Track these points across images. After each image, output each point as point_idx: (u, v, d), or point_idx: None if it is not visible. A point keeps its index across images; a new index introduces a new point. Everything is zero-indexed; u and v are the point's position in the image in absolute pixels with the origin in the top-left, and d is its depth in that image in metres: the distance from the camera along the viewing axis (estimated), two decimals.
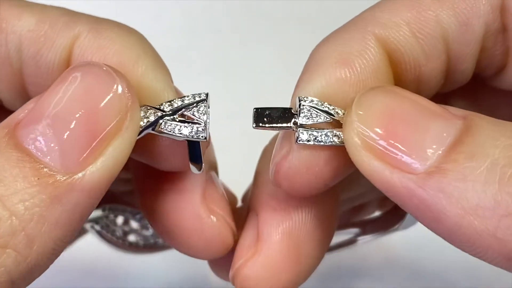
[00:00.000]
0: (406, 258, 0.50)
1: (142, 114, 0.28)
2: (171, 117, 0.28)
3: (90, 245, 0.42)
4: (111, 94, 0.26)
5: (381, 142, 0.26)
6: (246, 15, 0.64)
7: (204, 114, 0.28)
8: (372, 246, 0.50)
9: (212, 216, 0.31)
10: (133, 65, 0.29)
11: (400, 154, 0.25)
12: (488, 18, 0.29)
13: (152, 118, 0.28)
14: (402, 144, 0.26)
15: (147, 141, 0.29)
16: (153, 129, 0.28)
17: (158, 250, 0.41)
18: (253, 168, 0.37)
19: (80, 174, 0.25)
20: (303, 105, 0.28)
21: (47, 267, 0.26)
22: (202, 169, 0.30)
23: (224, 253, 0.33)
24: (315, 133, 0.28)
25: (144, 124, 0.28)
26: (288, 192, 0.30)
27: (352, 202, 0.39)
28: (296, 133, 0.28)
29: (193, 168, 0.30)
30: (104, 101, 0.26)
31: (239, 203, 0.38)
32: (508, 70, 0.31)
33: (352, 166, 0.29)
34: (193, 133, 0.28)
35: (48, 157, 0.25)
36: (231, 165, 0.38)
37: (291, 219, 0.31)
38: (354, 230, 0.40)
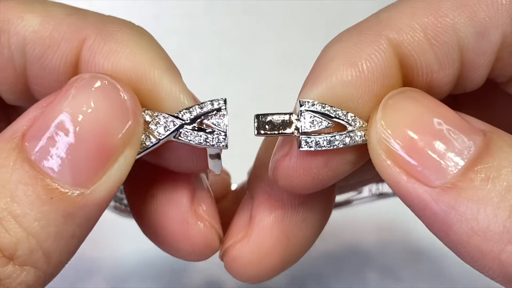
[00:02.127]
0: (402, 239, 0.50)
1: (162, 122, 0.28)
2: (191, 126, 0.28)
3: (92, 244, 0.42)
4: (118, 110, 0.26)
5: (402, 151, 0.26)
6: (246, 16, 0.64)
7: (223, 123, 0.28)
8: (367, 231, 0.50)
9: (199, 222, 0.32)
10: (148, 69, 0.28)
11: (418, 165, 0.26)
12: (506, 29, 0.28)
13: (172, 127, 0.28)
14: (421, 156, 0.26)
15: (166, 145, 0.29)
16: (173, 137, 0.28)
17: None
18: None
19: (90, 189, 0.26)
20: (304, 111, 0.28)
21: (60, 270, 0.27)
22: (220, 171, 0.31)
23: (210, 256, 0.33)
24: (317, 139, 0.28)
25: (164, 133, 0.28)
26: (285, 189, 0.30)
27: (349, 181, 0.39)
28: (298, 139, 0.28)
29: (211, 171, 0.30)
30: (112, 117, 0.26)
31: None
32: None
33: (351, 167, 0.29)
34: (214, 142, 0.28)
35: (59, 174, 0.25)
36: (231, 165, 0.38)
37: (284, 207, 0.32)
38: (352, 193, 0.41)
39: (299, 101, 0.28)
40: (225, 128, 0.28)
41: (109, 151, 0.26)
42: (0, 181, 0.25)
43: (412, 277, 0.49)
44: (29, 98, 0.31)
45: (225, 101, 0.28)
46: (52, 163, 0.25)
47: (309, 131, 0.28)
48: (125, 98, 0.26)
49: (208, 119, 0.28)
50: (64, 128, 0.25)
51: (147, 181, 0.32)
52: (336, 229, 0.43)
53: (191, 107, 0.28)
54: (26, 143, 0.25)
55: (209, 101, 0.28)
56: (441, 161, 0.26)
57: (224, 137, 0.28)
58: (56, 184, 0.25)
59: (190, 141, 0.28)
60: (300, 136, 0.28)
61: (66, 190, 0.25)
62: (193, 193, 0.32)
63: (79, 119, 0.25)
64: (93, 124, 0.26)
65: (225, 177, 0.38)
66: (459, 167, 0.26)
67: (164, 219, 0.31)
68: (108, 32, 0.29)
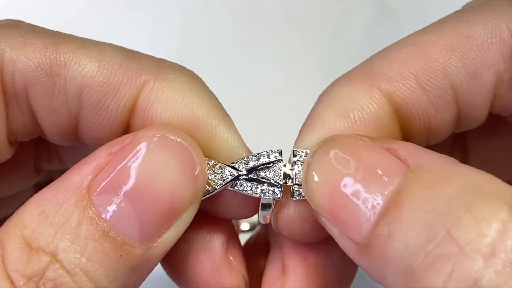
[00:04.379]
0: None
1: (219, 172, 0.28)
2: (247, 176, 0.29)
3: None
4: (187, 169, 0.26)
5: (326, 212, 0.26)
6: (246, 15, 0.64)
7: (279, 176, 0.29)
8: None
9: (231, 271, 0.32)
10: (206, 118, 0.29)
11: (343, 223, 0.26)
12: (499, 68, 0.28)
13: (229, 177, 0.28)
14: (344, 214, 0.26)
15: (219, 193, 0.30)
16: (229, 186, 0.29)
17: None
18: None
19: (155, 244, 0.26)
20: (297, 161, 0.29)
21: None
22: (268, 221, 0.31)
23: None
24: None
25: (222, 182, 0.28)
26: (290, 239, 0.31)
27: None
28: (291, 189, 0.29)
29: (261, 220, 0.31)
30: (181, 176, 0.26)
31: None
32: None
33: None
34: (270, 193, 0.29)
35: (128, 230, 0.26)
36: None
37: (315, 252, 0.32)
38: None
39: (293, 150, 0.29)
40: (281, 181, 0.29)
41: (176, 208, 0.26)
42: (68, 235, 0.25)
43: None
44: (74, 139, 0.31)
45: (280, 152, 0.29)
46: (120, 219, 0.25)
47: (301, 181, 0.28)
48: (194, 156, 0.27)
49: (264, 171, 0.29)
50: (132, 185, 0.25)
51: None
52: None
53: (247, 157, 0.29)
54: (93, 197, 0.26)
55: (265, 152, 0.29)
56: (359, 219, 0.25)
57: (280, 189, 0.29)
58: (124, 242, 0.25)
59: (246, 192, 0.29)
60: (293, 186, 0.29)
61: (133, 248, 0.26)
62: (227, 240, 0.32)
63: (149, 177, 0.26)
64: (163, 182, 0.26)
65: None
66: (370, 224, 0.25)
67: (198, 265, 0.31)
68: (166, 78, 0.29)
